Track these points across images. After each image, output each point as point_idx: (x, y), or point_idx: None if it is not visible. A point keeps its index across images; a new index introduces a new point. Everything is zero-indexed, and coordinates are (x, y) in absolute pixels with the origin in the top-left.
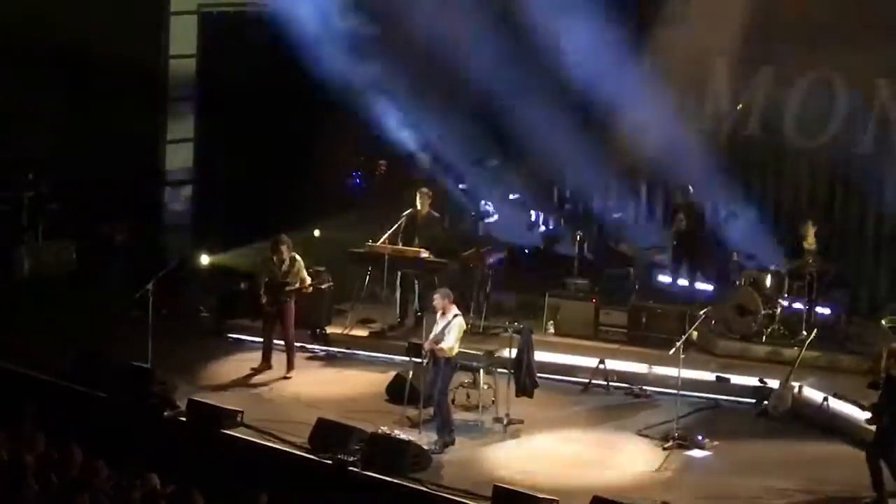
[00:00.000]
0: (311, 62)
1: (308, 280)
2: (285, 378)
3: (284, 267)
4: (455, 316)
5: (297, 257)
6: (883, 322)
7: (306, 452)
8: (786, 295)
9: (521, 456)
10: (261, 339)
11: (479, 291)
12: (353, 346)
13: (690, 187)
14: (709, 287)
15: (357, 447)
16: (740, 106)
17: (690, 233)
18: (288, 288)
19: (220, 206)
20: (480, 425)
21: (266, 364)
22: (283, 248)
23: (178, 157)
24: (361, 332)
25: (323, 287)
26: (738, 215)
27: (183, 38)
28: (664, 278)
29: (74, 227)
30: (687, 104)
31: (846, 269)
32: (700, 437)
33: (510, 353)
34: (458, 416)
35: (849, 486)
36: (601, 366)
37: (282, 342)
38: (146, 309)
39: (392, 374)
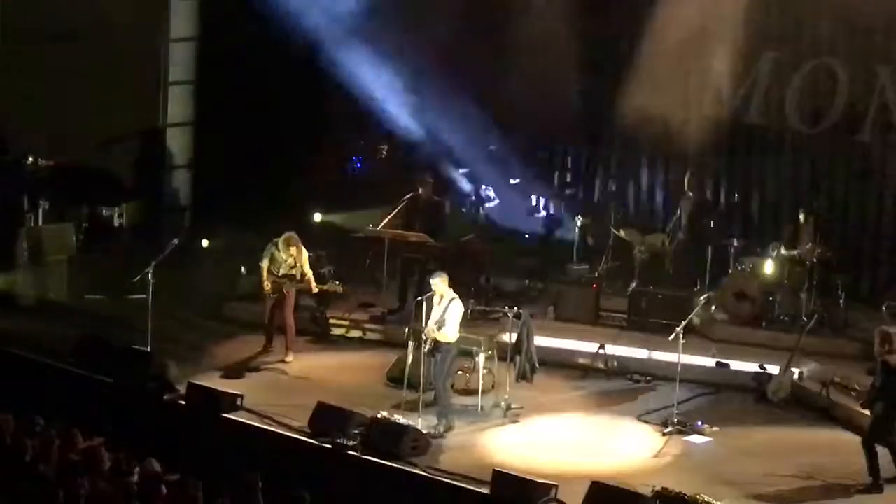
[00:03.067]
0: (313, 45)
1: (310, 274)
2: (284, 362)
3: (290, 261)
4: (452, 300)
5: (305, 252)
6: (884, 308)
7: (306, 436)
8: (785, 281)
9: (521, 441)
10: (260, 323)
11: (479, 276)
12: (353, 330)
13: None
14: None
15: (357, 431)
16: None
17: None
18: (293, 273)
19: (221, 190)
20: (480, 410)
21: (268, 346)
22: (293, 249)
23: (179, 140)
24: (362, 317)
25: (329, 290)
26: (737, 201)
27: (184, 20)
28: None
29: (75, 211)
30: (689, 90)
31: (846, 255)
32: (699, 423)
33: (510, 338)
34: (458, 400)
35: (847, 473)
36: (601, 351)
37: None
38: (146, 292)
39: (392, 358)
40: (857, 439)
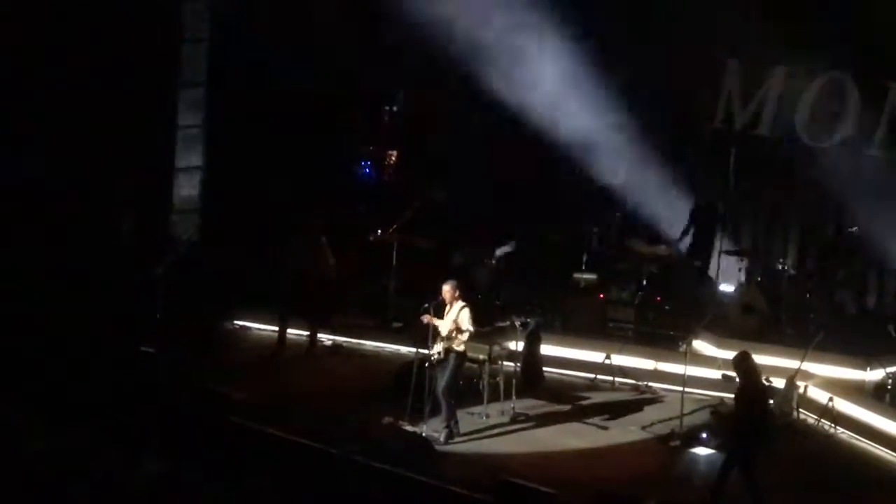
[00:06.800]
0: (322, 49)
1: (331, 261)
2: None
3: (307, 252)
4: (462, 307)
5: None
6: (890, 326)
7: (312, 441)
8: (792, 295)
9: (526, 449)
10: (271, 327)
11: (487, 284)
12: (360, 335)
13: None
14: None
15: (361, 437)
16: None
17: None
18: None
19: (230, 193)
20: (485, 418)
21: (281, 349)
22: (313, 229)
23: (189, 143)
24: (369, 322)
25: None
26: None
27: (195, 23)
28: None
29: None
30: (698, 103)
31: (853, 271)
32: (704, 435)
33: (517, 346)
34: (464, 408)
35: (852, 486)
36: (607, 361)
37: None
38: (155, 293)
39: (399, 364)
40: (863, 452)
